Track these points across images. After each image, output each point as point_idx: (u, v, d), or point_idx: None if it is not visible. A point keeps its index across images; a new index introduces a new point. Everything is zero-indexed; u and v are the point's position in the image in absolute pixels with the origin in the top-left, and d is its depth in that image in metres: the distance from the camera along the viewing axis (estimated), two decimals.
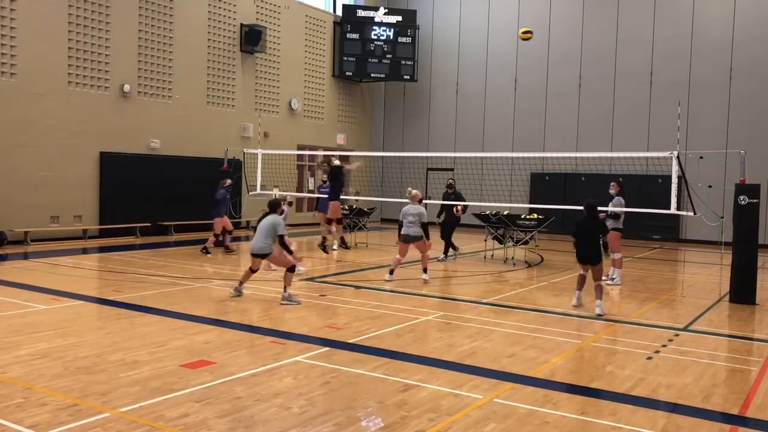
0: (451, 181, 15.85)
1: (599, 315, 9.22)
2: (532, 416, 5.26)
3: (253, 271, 9.97)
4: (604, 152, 20.08)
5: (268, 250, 9.70)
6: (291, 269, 9.67)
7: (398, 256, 11.92)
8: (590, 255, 9.50)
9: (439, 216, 15.33)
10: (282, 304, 9.44)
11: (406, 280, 12.07)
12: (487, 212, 15.41)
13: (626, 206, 12.24)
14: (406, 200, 12.29)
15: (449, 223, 15.23)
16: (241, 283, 10.01)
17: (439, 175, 22.48)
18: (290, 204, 15.11)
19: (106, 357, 6.56)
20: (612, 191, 12.07)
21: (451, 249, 15.20)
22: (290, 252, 9.82)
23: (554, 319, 9.07)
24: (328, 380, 6.05)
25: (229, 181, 15.33)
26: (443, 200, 15.36)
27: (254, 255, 9.77)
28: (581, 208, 11.58)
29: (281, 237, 9.67)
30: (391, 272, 11.90)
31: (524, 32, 14.86)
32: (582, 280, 9.82)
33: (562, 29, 23.29)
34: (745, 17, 20.53)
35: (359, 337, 7.71)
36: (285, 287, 9.58)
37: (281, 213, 12.75)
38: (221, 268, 13.13)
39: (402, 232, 11.88)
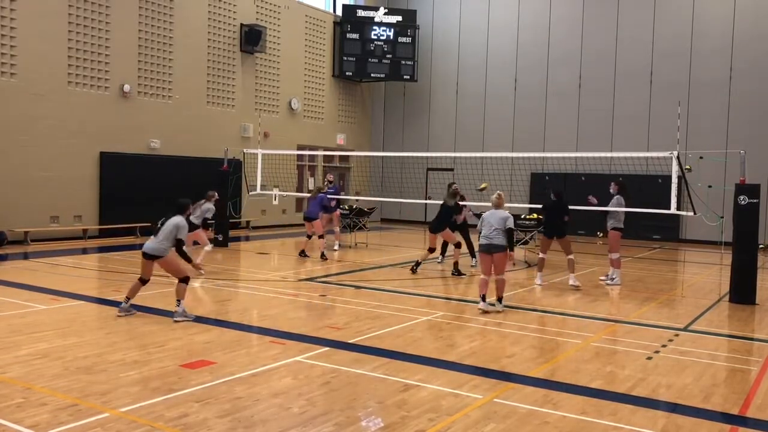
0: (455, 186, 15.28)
1: (575, 287, 11.23)
2: (532, 416, 5.26)
3: (143, 281, 8.59)
4: (604, 152, 20.09)
5: (161, 252, 8.40)
6: (184, 280, 8.44)
7: (483, 276, 9.43)
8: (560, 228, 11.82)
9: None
10: (175, 321, 8.18)
11: (405, 280, 12.07)
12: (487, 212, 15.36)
13: (627, 206, 12.25)
14: (407, 200, 12.20)
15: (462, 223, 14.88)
16: (128, 298, 8.56)
17: (439, 175, 22.49)
18: (217, 200, 12.69)
19: (106, 357, 6.56)
20: (612, 191, 12.13)
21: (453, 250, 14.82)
22: (189, 261, 8.76)
23: (554, 319, 9.07)
24: (328, 380, 6.05)
25: (216, 196, 12.96)
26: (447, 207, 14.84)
27: (145, 255, 8.48)
28: (581, 208, 11.73)
29: (179, 242, 8.43)
30: (484, 298, 9.34)
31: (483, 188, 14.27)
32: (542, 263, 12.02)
33: (562, 29, 23.29)
34: (745, 17, 20.52)
35: (359, 337, 7.71)
36: (178, 300, 8.34)
37: (206, 212, 12.23)
38: (222, 268, 13.13)
39: (482, 242, 9.43)
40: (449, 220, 13.25)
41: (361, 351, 7.08)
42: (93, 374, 6.00)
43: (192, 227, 11.29)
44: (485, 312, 9.16)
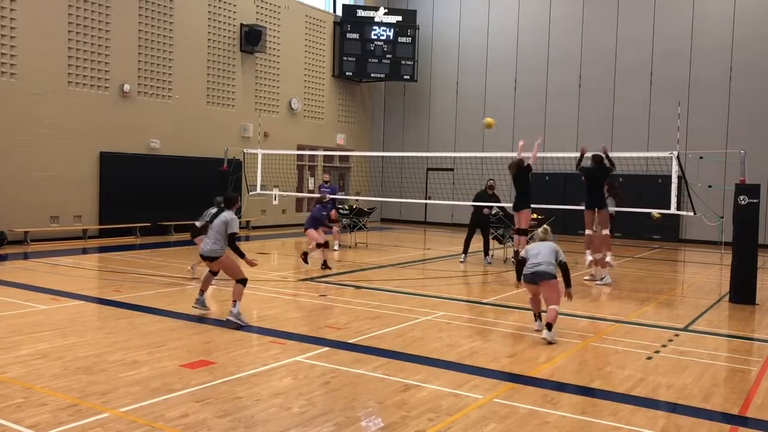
0: (491, 182, 15.05)
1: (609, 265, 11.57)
2: (532, 416, 5.26)
3: (213, 273, 8.76)
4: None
5: (217, 253, 8.37)
6: (242, 281, 8.34)
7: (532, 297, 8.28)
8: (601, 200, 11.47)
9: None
10: (227, 319, 8.06)
11: (405, 280, 12.07)
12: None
13: (626, 206, 12.26)
14: (406, 200, 12.18)
15: (484, 223, 14.83)
16: (202, 291, 8.76)
17: (439, 175, 22.50)
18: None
19: (106, 357, 6.56)
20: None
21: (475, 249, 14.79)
22: (242, 256, 8.43)
23: None
24: (328, 380, 6.05)
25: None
26: (478, 200, 14.79)
27: (203, 257, 8.54)
28: (581, 208, 11.64)
29: (232, 236, 8.28)
30: (537, 317, 8.32)
31: (488, 125, 13.10)
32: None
33: (562, 29, 23.28)
34: (745, 17, 20.52)
35: (359, 337, 7.71)
36: (234, 301, 8.18)
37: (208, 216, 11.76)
38: None
39: (526, 272, 8.04)
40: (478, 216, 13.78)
41: (361, 351, 7.08)
42: (93, 374, 5.99)
43: (197, 232, 11.03)
44: (538, 331, 8.08)
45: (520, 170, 12.01)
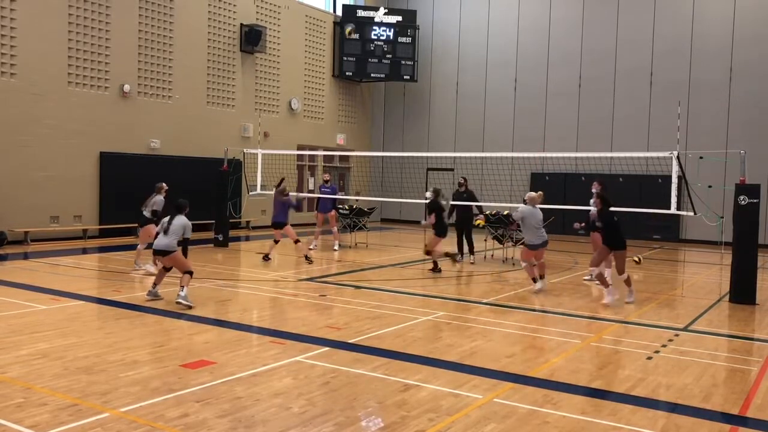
0: (461, 179, 15.32)
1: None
2: (532, 416, 5.26)
3: (167, 269, 9.65)
4: (604, 152, 20.11)
5: (172, 248, 9.29)
6: (189, 273, 9.34)
7: (528, 263, 11.24)
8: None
9: (450, 216, 14.42)
10: (177, 302, 9.03)
11: (405, 280, 12.07)
12: (487, 212, 15.40)
13: (626, 206, 12.24)
14: (406, 200, 12.19)
15: (466, 222, 14.87)
16: (155, 284, 9.64)
17: (439, 175, 22.48)
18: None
19: (106, 357, 6.56)
20: (594, 189, 11.72)
21: (458, 250, 14.85)
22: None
23: (554, 319, 9.07)
24: (328, 380, 6.05)
25: (165, 187, 12.62)
26: (454, 200, 14.98)
27: (156, 252, 9.52)
28: (582, 208, 11.50)
29: (186, 240, 9.37)
30: (535, 280, 11.20)
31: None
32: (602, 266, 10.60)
33: (562, 29, 23.29)
34: (745, 17, 20.52)
35: (359, 337, 7.71)
36: (182, 287, 9.18)
37: (155, 205, 12.34)
38: (222, 268, 13.13)
39: (529, 242, 11.22)
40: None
41: (361, 351, 7.08)
42: (93, 374, 6.00)
43: (145, 221, 12.33)
44: (540, 290, 10.94)
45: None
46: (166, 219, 9.46)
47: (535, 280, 11.16)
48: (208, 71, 20.42)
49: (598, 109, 22.57)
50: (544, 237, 11.27)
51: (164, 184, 12.60)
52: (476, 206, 15.03)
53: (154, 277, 10.01)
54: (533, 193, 11.58)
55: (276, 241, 14.11)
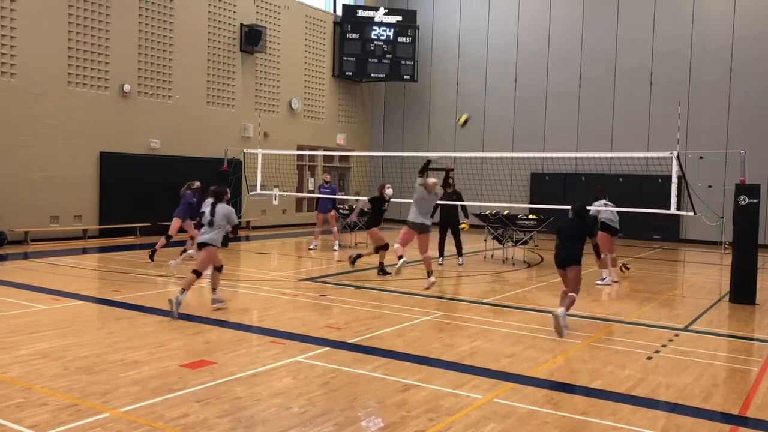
0: (450, 179, 14.95)
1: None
2: (532, 416, 5.26)
3: (219, 269, 9.31)
4: (604, 152, 20.10)
5: (216, 242, 9.07)
6: (219, 269, 9.23)
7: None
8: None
9: (433, 215, 14.40)
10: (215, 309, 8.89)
11: (406, 280, 12.06)
12: (487, 212, 15.41)
13: (626, 206, 12.25)
14: (407, 200, 12.16)
15: (454, 223, 14.68)
16: (183, 290, 8.79)
17: (439, 175, 22.45)
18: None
19: (106, 357, 6.56)
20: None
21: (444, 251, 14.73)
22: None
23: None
24: (328, 380, 6.05)
25: (197, 183, 13.06)
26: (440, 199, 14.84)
27: (200, 245, 9.11)
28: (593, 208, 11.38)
29: (236, 227, 9.08)
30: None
31: (463, 122, 13.48)
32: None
33: (562, 29, 23.29)
34: (745, 17, 20.52)
35: (359, 337, 7.71)
36: (214, 289, 9.18)
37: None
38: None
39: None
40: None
41: (361, 351, 7.08)
42: (93, 374, 6.00)
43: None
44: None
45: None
46: (207, 209, 8.95)
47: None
48: (208, 71, 20.41)
49: (598, 109, 22.57)
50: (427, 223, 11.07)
51: (197, 182, 13.02)
52: (462, 208, 14.64)
53: (209, 280, 9.47)
54: (432, 180, 11.35)
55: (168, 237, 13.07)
